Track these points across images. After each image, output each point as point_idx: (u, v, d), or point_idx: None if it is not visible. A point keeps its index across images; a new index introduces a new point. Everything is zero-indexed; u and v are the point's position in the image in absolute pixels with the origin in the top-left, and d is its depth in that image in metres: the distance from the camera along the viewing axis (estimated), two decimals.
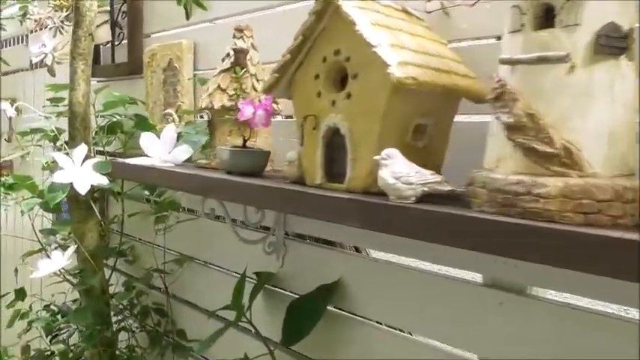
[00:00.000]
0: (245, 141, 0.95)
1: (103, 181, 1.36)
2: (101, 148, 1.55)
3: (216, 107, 1.03)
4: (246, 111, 0.86)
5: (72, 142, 1.45)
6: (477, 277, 0.84)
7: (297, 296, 1.10)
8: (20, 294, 1.84)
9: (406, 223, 0.61)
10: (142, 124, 1.25)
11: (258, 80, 1.06)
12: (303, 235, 1.19)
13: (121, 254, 1.56)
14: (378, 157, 0.65)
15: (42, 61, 1.50)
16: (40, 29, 1.55)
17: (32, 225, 1.60)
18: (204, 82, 1.32)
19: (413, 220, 0.60)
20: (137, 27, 1.62)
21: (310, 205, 0.73)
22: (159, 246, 1.55)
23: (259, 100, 0.87)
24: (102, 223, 1.57)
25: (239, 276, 1.26)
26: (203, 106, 1.06)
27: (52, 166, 1.49)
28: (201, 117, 1.46)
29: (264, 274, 1.19)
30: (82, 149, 1.37)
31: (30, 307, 1.92)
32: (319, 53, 0.77)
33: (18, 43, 2.64)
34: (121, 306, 1.50)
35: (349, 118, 0.72)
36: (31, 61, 1.54)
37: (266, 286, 1.19)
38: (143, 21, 1.63)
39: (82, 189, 1.32)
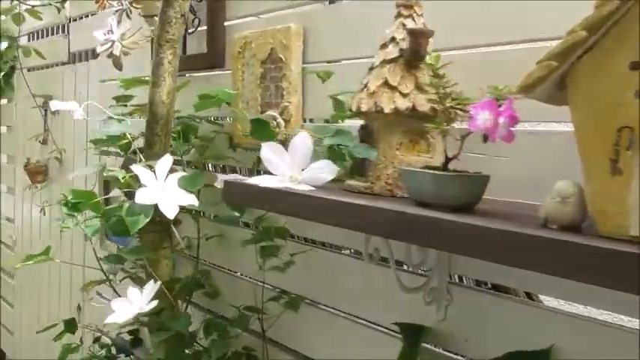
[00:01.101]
0: (448, 160, 0.66)
1: (193, 201, 1.08)
2: (178, 158, 1.27)
3: (386, 111, 0.75)
4: (482, 118, 0.57)
5: (149, 151, 1.17)
6: None
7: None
8: (70, 326, 1.57)
9: None
10: (260, 130, 0.96)
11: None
12: (470, 280, 0.90)
13: (200, 286, 1.28)
14: None
15: (109, 50, 1.22)
16: (102, 9, 1.27)
17: (94, 250, 1.32)
18: (327, 78, 1.03)
19: None
20: (219, 10, 1.33)
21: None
22: (252, 279, 1.27)
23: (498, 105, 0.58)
24: (175, 249, 1.29)
25: (370, 325, 0.99)
26: (363, 109, 0.77)
27: (117, 182, 1.22)
28: (311, 121, 1.17)
29: (419, 328, 0.91)
30: (166, 161, 1.09)
31: (80, 340, 1.65)
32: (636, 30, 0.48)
33: (54, 33, 2.36)
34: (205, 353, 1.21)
35: None
36: (94, 51, 1.25)
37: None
38: (226, 3, 1.34)
39: (170, 212, 1.05)
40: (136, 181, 1.10)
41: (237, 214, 1.19)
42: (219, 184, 1.10)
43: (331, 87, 1.03)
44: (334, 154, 0.89)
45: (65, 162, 2.17)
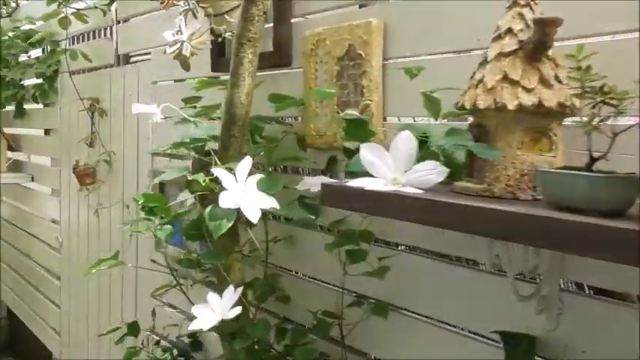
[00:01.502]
0: (594, 161, 0.61)
1: (274, 204, 1.05)
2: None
3: (510, 107, 0.70)
4: None
5: (224, 153, 1.14)
6: None
7: None
8: (133, 329, 1.56)
9: None
10: (356, 129, 0.92)
11: (557, 65, 0.73)
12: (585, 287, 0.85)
13: (273, 291, 1.24)
14: None
15: (179, 51, 1.19)
16: (167, 9, 1.24)
17: (164, 254, 1.29)
18: (417, 73, 0.99)
19: None
20: (286, 7, 1.30)
21: None
22: (326, 283, 1.23)
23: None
24: (245, 253, 1.26)
25: (464, 332, 0.94)
26: (481, 106, 0.73)
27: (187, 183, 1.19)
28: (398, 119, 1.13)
29: (523, 337, 0.86)
30: (246, 163, 1.06)
31: (142, 343, 1.64)
32: None
33: (100, 36, 2.35)
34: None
35: None
36: (164, 51, 1.23)
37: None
38: (293, 1, 1.30)
39: (253, 215, 1.02)
40: (215, 185, 1.07)
41: (312, 216, 1.16)
42: (301, 186, 1.06)
43: (413, 83, 0.99)
44: (427, 154, 0.84)
45: (114, 164, 2.16)
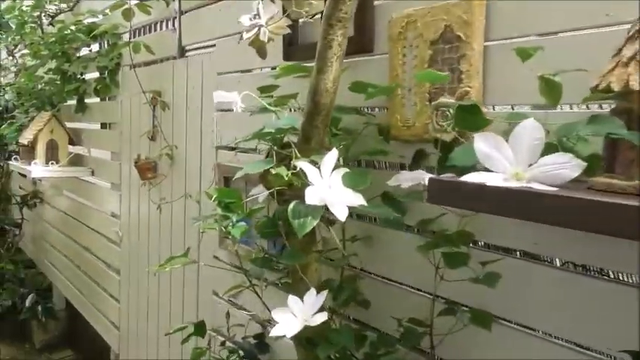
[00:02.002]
0: None
1: (361, 201, 0.96)
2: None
3: None
4: None
5: (304, 145, 1.05)
6: None
7: None
8: (199, 329, 1.50)
9: None
10: (470, 117, 0.81)
11: None
12: None
13: (355, 295, 1.15)
14: None
15: (255, 36, 1.12)
16: None
17: (236, 253, 1.22)
18: (531, 55, 0.87)
19: None
20: None
21: None
22: (412, 288, 1.13)
23: None
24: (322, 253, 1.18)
25: (579, 349, 0.83)
26: (636, 87, 0.61)
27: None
28: (493, 108, 1.02)
29: None
30: (332, 156, 0.97)
31: (208, 343, 1.59)
32: None
33: (162, 28, 2.32)
34: None
35: None
36: (240, 36, 1.15)
37: None
38: None
39: (341, 213, 0.93)
40: (297, 179, 0.98)
41: (398, 215, 1.06)
42: (393, 182, 0.96)
43: (517, 68, 0.87)
44: (549, 146, 0.73)
45: (177, 158, 2.12)
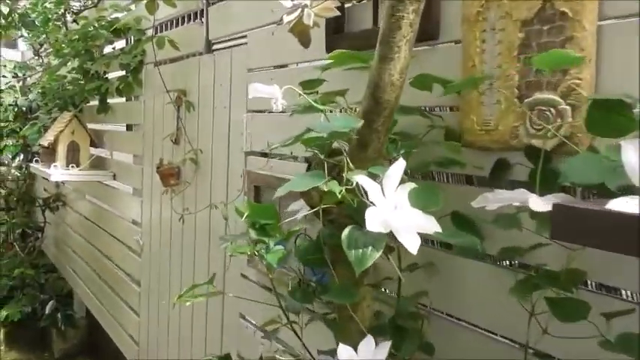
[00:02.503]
0: None
1: (435, 227, 0.74)
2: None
3: None
4: None
5: (359, 153, 0.84)
6: None
7: None
8: None
9: None
10: (613, 118, 0.58)
11: None
12: None
13: (420, 340, 0.93)
14: None
15: (298, 19, 0.91)
16: None
17: (273, 287, 1.00)
18: None
19: None
20: None
21: None
22: (489, 332, 0.91)
23: None
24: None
25: None
26: None
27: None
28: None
29: None
30: (398, 169, 0.75)
31: None
32: None
33: (189, 21, 2.14)
34: None
35: None
36: (280, 19, 0.95)
37: None
38: None
39: (411, 244, 0.71)
40: (352, 196, 0.77)
41: (475, 241, 0.84)
42: (479, 203, 0.74)
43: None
44: None
45: (202, 164, 1.93)
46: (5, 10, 3.93)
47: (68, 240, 3.71)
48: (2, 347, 3.86)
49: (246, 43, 1.68)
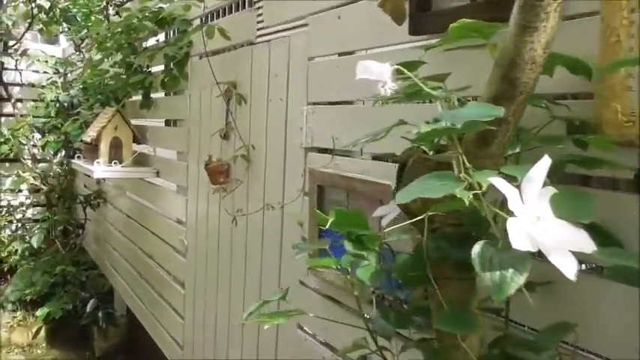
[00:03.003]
0: None
1: (590, 245, 0.58)
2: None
3: None
4: None
5: (479, 150, 0.68)
6: None
7: None
8: None
9: None
10: None
11: None
12: None
13: None
14: None
15: None
16: None
17: (359, 307, 0.86)
18: None
19: None
20: None
21: None
22: None
23: None
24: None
25: None
26: None
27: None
28: None
29: None
30: (542, 168, 0.59)
31: None
32: None
33: (240, 8, 2.01)
34: None
35: None
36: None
37: None
38: None
39: (569, 268, 0.55)
40: (482, 206, 0.61)
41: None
42: None
43: None
44: None
45: (254, 161, 1.80)
46: (47, 5, 3.91)
47: (109, 237, 3.65)
48: (44, 345, 3.84)
49: (306, 29, 1.53)
